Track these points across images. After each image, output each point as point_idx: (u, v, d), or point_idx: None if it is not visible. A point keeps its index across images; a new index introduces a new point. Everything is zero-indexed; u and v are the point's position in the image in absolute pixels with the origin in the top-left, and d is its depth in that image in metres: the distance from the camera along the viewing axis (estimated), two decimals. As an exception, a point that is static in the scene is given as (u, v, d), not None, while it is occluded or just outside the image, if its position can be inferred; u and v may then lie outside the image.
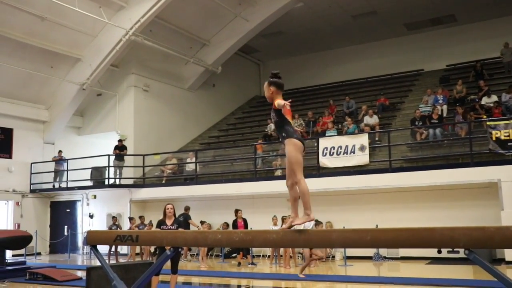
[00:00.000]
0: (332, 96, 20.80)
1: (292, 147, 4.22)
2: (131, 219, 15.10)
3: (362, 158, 13.66)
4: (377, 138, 14.96)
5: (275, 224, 12.91)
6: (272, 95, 4.34)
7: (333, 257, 14.03)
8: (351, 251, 13.05)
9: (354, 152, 13.73)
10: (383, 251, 13.42)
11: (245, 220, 13.67)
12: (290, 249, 12.32)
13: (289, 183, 4.28)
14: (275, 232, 4.20)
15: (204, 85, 21.83)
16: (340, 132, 15.77)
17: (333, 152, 14.01)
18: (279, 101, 4.19)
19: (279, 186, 14.39)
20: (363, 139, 13.79)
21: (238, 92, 24.15)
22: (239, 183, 15.04)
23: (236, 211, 13.63)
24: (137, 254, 15.32)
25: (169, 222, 7.81)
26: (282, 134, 4.34)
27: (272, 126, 17.89)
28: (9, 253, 15.08)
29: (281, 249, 12.78)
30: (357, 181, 13.40)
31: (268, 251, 14.77)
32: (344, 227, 11.97)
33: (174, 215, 8.00)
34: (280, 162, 15.59)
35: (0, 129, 17.77)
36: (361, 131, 15.25)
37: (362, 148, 13.67)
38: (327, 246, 4.76)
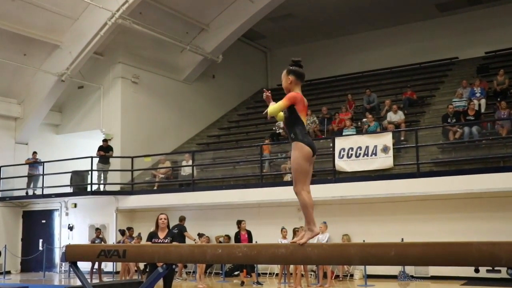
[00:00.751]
0: (350, 89, 20.76)
1: (299, 153, 4.29)
2: (123, 232, 15.05)
3: (385, 161, 13.62)
4: (402, 138, 14.92)
5: (284, 237, 12.89)
6: (290, 86, 4.39)
7: (352, 275, 14.00)
8: (373, 269, 13.00)
9: (375, 154, 13.69)
10: (410, 269, 13.37)
11: (249, 233, 13.67)
12: (301, 266, 12.29)
13: (296, 190, 4.34)
14: (284, 247, 4.19)
15: (203, 77, 21.85)
16: (359, 131, 15.73)
17: (352, 154, 13.97)
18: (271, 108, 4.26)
19: (289, 193, 14.34)
20: (386, 139, 13.75)
21: (241, 85, 24.16)
22: (243, 190, 15.02)
23: (239, 222, 13.63)
24: (117, 272, 15.33)
25: (161, 234, 7.81)
26: (290, 135, 4.40)
27: (280, 123, 17.90)
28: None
29: (291, 266, 12.75)
30: (379, 187, 13.36)
31: (276, 268, 14.75)
32: (364, 241, 11.93)
33: (168, 226, 8.01)
34: (290, 166, 15.56)
35: (-36, 126, 17.80)
36: (384, 129, 15.21)
37: (385, 149, 13.63)
38: (344, 263, 4.75)
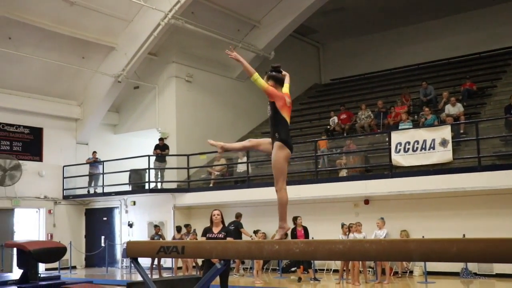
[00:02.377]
0: (406, 82, 20.38)
1: (281, 153, 4.66)
2: (179, 228, 15.26)
3: (444, 155, 13.30)
4: (462, 131, 14.52)
5: (344, 234, 12.81)
6: (271, 96, 4.81)
7: (411, 272, 13.76)
8: (433, 266, 12.74)
9: (433, 148, 13.40)
10: (473, 266, 13.01)
11: (305, 229, 13.62)
12: (359, 262, 12.18)
13: (277, 188, 4.76)
14: (341, 242, 4.16)
15: (255, 74, 21.88)
16: (416, 124, 15.43)
17: (408, 148, 13.73)
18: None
19: (345, 189, 14.34)
20: (445, 132, 13.42)
21: (294, 81, 23.46)
22: (298, 186, 14.97)
23: (295, 218, 13.59)
24: (180, 268, 15.59)
25: (216, 229, 7.91)
26: (274, 134, 4.72)
27: (335, 119, 17.76)
28: (42, 267, 15.71)
29: (350, 263, 12.64)
30: (438, 182, 13.06)
31: (333, 264, 14.67)
32: (423, 237, 11.71)
33: (223, 222, 8.10)
34: (345, 161, 15.44)
35: (28, 128, 18.49)
36: (442, 122, 14.85)
37: (443, 143, 13.31)
38: (403, 259, 4.68)
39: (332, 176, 15.42)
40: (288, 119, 4.77)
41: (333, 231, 13.34)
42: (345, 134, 17.04)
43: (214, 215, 8.01)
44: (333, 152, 16.18)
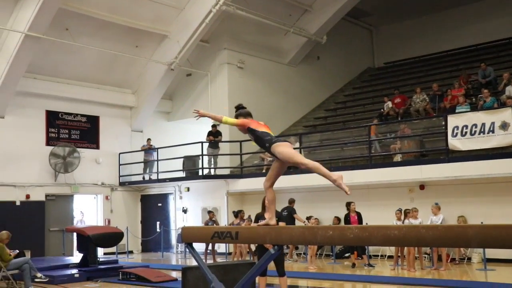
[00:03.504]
0: (463, 64, 19.82)
1: (281, 148, 4.99)
2: (236, 213, 15.29)
3: (505, 138, 12.87)
4: (524, 113, 13.99)
5: (398, 219, 12.64)
6: (244, 125, 5.26)
7: (469, 259, 13.45)
8: (493, 253, 12.40)
9: (493, 131, 12.98)
10: (535, 253, 12.60)
11: (359, 214, 13.51)
12: (415, 248, 12.00)
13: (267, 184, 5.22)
14: (396, 228, 4.10)
15: (307, 59, 21.77)
16: (474, 107, 14.99)
17: (466, 132, 13.36)
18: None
19: (399, 174, 14.12)
20: (505, 115, 12.96)
21: (347, 65, 23.81)
22: (351, 171, 14.84)
23: (348, 204, 13.50)
24: (230, 253, 15.74)
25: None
26: (265, 146, 5.12)
27: (389, 104, 17.47)
28: (100, 251, 16.22)
29: (405, 249, 12.48)
30: (498, 166, 12.66)
31: (387, 250, 14.52)
32: (482, 223, 11.40)
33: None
34: (399, 145, 15.19)
35: (86, 117, 18.98)
36: (502, 104, 14.35)
37: (504, 126, 12.87)
38: (461, 246, 4.57)
39: (386, 161, 15.21)
40: (266, 130, 5.24)
41: (387, 217, 13.19)
42: (399, 118, 16.75)
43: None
44: (387, 136, 15.93)
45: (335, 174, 4.79)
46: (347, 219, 13.36)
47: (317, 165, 4.88)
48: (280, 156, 5.02)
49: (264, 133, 5.21)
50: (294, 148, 5.08)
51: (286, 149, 5.03)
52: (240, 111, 5.53)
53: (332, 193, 15.77)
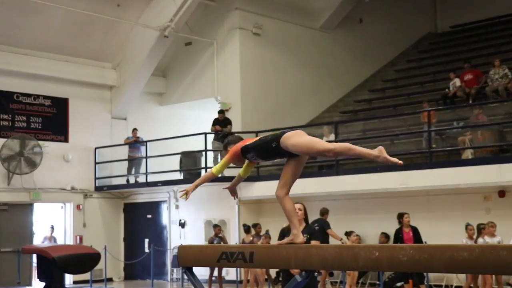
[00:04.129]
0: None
1: (295, 139, 5.16)
2: (247, 228, 15.30)
3: None
4: None
5: (470, 237, 12.62)
6: (235, 153, 5.45)
7: None
8: None
9: None
10: None
11: (415, 230, 13.40)
12: (492, 276, 11.94)
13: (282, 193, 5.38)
14: (467, 249, 4.08)
15: (346, 22, 21.69)
16: None
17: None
18: None
19: (471, 176, 14.03)
20: None
21: (399, 30, 23.68)
22: (405, 172, 14.79)
23: (401, 215, 13.37)
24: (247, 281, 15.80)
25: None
26: (272, 146, 5.28)
27: (457, 81, 17.38)
28: (69, 279, 16.31)
29: (479, 277, 12.44)
30: None
31: (454, 279, 14.47)
32: None
33: (306, 220, 8.12)
34: (470, 137, 15.09)
35: (50, 99, 19.06)
36: None
37: None
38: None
39: (452, 159, 15.12)
40: (255, 139, 5.51)
41: (454, 234, 13.15)
42: (470, 101, 16.63)
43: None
44: (453, 126, 15.84)
45: (374, 150, 4.89)
46: (399, 236, 13.24)
47: (348, 145, 5.04)
48: (297, 149, 5.13)
49: (261, 137, 5.43)
50: (332, 141, 5.19)
51: (302, 138, 5.17)
52: (228, 139, 5.78)
53: (379, 201, 15.76)
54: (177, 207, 19.05)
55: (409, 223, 13.39)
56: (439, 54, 22.45)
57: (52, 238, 18.41)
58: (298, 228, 5.37)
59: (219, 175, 5.75)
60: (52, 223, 18.89)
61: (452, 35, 24.14)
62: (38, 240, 18.35)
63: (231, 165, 5.63)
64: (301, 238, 5.30)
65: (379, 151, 4.84)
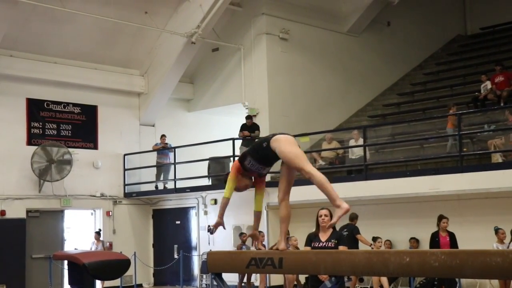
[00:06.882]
0: None
1: (282, 145, 5.28)
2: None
3: None
4: None
5: (501, 242, 12.49)
6: (237, 169, 5.86)
7: None
8: None
9: None
10: None
11: (452, 236, 13.15)
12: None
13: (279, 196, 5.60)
14: (500, 254, 4.05)
15: (374, 25, 21.62)
16: None
17: None
18: None
19: (502, 180, 13.88)
20: None
21: (428, 33, 23.54)
22: (435, 177, 14.71)
23: (440, 218, 13.04)
24: (278, 286, 15.79)
25: (323, 236, 7.93)
26: (263, 146, 5.49)
27: (488, 84, 17.23)
28: (99, 285, 16.40)
29: None
30: None
31: (487, 285, 14.32)
32: None
33: (333, 226, 8.09)
34: (502, 141, 14.95)
35: (79, 107, 19.19)
36: None
37: None
38: None
39: (483, 163, 14.99)
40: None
41: (485, 239, 13.02)
42: (502, 104, 16.48)
43: (322, 216, 8.01)
44: (483, 129, 15.70)
45: (343, 203, 5.03)
46: (435, 240, 12.92)
47: (323, 180, 5.17)
48: (281, 156, 5.28)
49: (256, 141, 5.71)
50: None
51: (288, 148, 5.33)
52: (238, 167, 6.07)
53: (408, 206, 15.65)
54: (205, 213, 19.06)
55: (447, 228, 13.12)
56: (469, 57, 22.27)
57: (100, 242, 18.08)
58: (284, 235, 5.53)
59: (229, 194, 5.97)
60: (99, 227, 18.87)
61: (482, 37, 23.95)
62: (86, 246, 18.26)
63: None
64: (282, 245, 5.40)
65: (344, 208, 5.05)
